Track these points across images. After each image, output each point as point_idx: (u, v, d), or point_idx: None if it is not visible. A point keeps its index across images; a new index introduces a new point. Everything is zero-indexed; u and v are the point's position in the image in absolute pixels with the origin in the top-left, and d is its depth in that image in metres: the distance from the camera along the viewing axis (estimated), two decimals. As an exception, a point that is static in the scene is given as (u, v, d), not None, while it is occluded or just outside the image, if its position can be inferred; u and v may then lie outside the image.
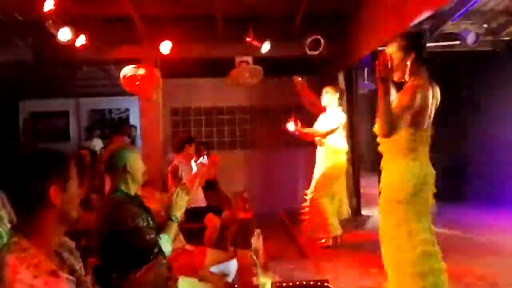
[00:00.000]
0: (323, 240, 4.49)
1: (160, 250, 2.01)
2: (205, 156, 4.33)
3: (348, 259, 4.06)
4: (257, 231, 2.39)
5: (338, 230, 4.45)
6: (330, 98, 4.54)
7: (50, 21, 4.67)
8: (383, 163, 2.48)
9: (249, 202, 4.35)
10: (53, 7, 4.33)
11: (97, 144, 7.00)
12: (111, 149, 2.32)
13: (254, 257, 2.31)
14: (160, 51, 5.44)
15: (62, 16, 4.69)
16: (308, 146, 5.17)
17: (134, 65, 5.30)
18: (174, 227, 2.16)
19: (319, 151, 4.64)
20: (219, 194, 5.16)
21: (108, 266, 2.03)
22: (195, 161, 4.17)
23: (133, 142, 7.53)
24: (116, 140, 5.70)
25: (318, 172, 4.58)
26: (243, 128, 7.28)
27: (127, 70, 5.27)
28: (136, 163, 2.18)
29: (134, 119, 8.62)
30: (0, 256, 1.10)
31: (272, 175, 7.02)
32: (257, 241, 2.33)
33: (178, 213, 2.16)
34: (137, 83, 5.24)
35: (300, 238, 4.77)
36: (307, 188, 4.73)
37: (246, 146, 7.24)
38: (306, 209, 4.58)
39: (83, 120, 8.40)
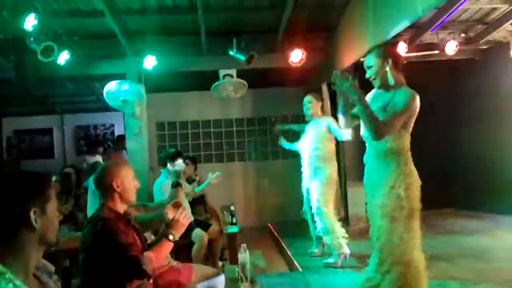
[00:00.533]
0: (331, 260, 4.10)
1: (146, 269, 1.96)
2: (216, 173, 4.36)
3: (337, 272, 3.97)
4: (243, 245, 2.38)
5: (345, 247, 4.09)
6: (314, 107, 4.40)
7: (32, 38, 4.65)
8: (372, 170, 2.50)
9: (235, 216, 4.34)
10: (35, 24, 4.32)
11: (98, 160, 6.92)
12: (101, 167, 2.27)
13: (241, 272, 2.31)
14: (144, 65, 5.44)
15: (44, 33, 4.67)
16: (296, 157, 5.18)
17: (118, 81, 5.29)
18: (169, 246, 2.09)
19: (309, 161, 4.36)
20: (206, 208, 5.13)
21: (92, 285, 1.99)
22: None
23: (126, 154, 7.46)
24: (113, 156, 5.63)
25: (316, 183, 4.23)
26: (230, 140, 7.30)
27: (111, 86, 5.25)
28: (125, 180, 2.14)
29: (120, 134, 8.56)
30: None
31: (259, 187, 7.03)
32: (243, 255, 2.32)
33: (178, 234, 2.11)
34: (121, 98, 5.23)
35: (289, 251, 4.73)
36: (296, 200, 4.63)
37: (233, 159, 7.24)
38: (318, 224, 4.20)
39: (67, 136, 8.30)
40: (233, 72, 5.63)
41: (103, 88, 5.50)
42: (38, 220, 1.17)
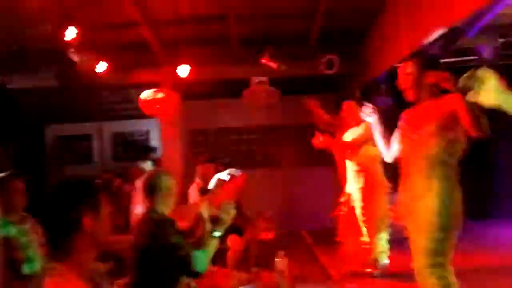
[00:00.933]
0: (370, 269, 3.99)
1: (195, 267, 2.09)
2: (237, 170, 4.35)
3: (375, 281, 3.89)
4: (281, 252, 2.41)
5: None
6: (353, 112, 4.19)
7: (73, 49, 4.88)
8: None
9: (271, 222, 4.36)
10: (75, 36, 4.54)
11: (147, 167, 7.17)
12: (151, 172, 2.52)
13: (280, 279, 2.33)
14: (178, 74, 5.59)
15: (84, 44, 4.89)
16: (328, 165, 5.15)
17: (153, 89, 5.46)
18: (214, 243, 2.22)
19: (351, 165, 4.20)
20: (241, 215, 5.17)
21: (143, 284, 2.09)
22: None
23: (155, 165, 7.65)
24: (135, 172, 5.77)
25: (358, 187, 4.08)
26: (263, 147, 7.33)
27: (147, 94, 5.43)
28: (172, 186, 2.34)
29: (155, 141, 8.77)
30: (39, 282, 1.16)
31: (293, 194, 7.02)
32: (281, 262, 2.35)
33: (222, 229, 2.23)
34: (157, 106, 5.39)
35: (324, 258, 4.68)
36: (330, 206, 4.53)
37: (266, 166, 7.26)
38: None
39: (105, 143, 8.59)
40: (265, 79, 5.70)
41: (138, 96, 5.71)
42: (92, 224, 1.25)
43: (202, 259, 2.10)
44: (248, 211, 5.43)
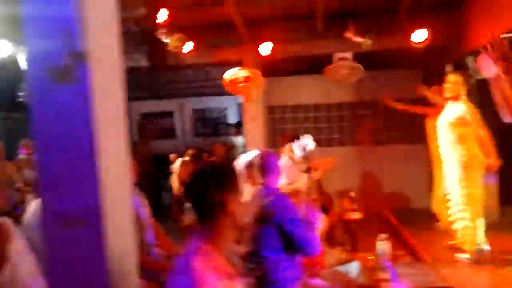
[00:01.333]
0: (467, 255, 3.82)
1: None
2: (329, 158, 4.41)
3: (472, 267, 3.70)
4: (384, 235, 2.38)
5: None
6: (456, 88, 3.91)
7: (162, 30, 5.09)
8: None
9: (356, 202, 4.30)
10: (166, 17, 4.71)
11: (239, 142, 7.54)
12: (266, 151, 2.70)
13: (380, 262, 2.31)
14: (260, 52, 5.61)
15: (172, 24, 5.07)
16: (416, 143, 4.96)
17: (237, 68, 5.54)
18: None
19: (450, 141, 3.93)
20: (322, 193, 5.16)
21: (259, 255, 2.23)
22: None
23: (230, 141, 7.88)
24: (216, 148, 6.05)
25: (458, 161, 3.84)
26: (342, 125, 7.20)
27: (231, 73, 5.52)
28: (281, 165, 2.55)
29: (232, 118, 9.00)
30: (186, 259, 1.25)
31: (373, 173, 6.85)
32: (384, 245, 2.32)
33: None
34: (240, 84, 5.47)
35: (412, 241, 4.54)
36: (416, 187, 4.43)
37: (345, 143, 7.14)
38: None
39: (186, 119, 8.97)
40: (349, 55, 5.53)
41: (218, 74, 5.84)
42: (232, 205, 1.32)
43: (316, 239, 2.19)
44: (327, 190, 5.42)
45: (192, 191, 1.34)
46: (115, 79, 1.65)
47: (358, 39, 5.27)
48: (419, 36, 5.18)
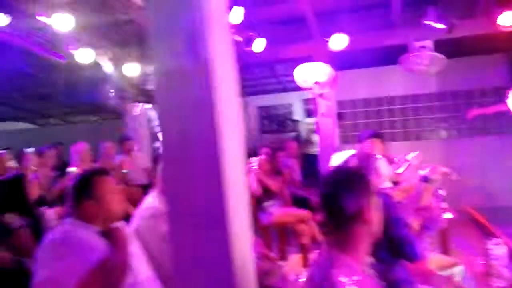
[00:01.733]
0: None
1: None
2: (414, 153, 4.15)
3: None
4: (497, 239, 2.16)
5: None
6: None
7: (235, 29, 5.07)
8: None
9: (444, 201, 4.02)
10: (242, 17, 4.68)
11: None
12: (362, 152, 2.60)
13: (497, 268, 2.11)
14: (331, 45, 5.43)
15: (244, 22, 5.03)
16: (502, 133, 4.58)
17: (307, 63, 5.41)
18: None
19: None
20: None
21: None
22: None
23: (298, 138, 7.76)
24: (289, 145, 5.93)
25: None
26: (417, 118, 6.84)
27: (302, 68, 5.41)
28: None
29: (297, 114, 8.88)
30: (321, 271, 1.17)
31: (454, 168, 6.42)
32: (498, 248, 2.11)
33: None
34: (311, 80, 5.34)
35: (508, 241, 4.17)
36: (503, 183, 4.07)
37: (421, 137, 6.78)
38: None
39: (251, 117, 8.96)
40: (429, 43, 5.19)
41: (284, 71, 5.74)
42: (368, 213, 1.21)
43: (418, 245, 2.02)
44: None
45: (327, 199, 1.25)
46: (231, 84, 1.68)
47: (439, 25, 4.93)
48: (507, 18, 4.75)
